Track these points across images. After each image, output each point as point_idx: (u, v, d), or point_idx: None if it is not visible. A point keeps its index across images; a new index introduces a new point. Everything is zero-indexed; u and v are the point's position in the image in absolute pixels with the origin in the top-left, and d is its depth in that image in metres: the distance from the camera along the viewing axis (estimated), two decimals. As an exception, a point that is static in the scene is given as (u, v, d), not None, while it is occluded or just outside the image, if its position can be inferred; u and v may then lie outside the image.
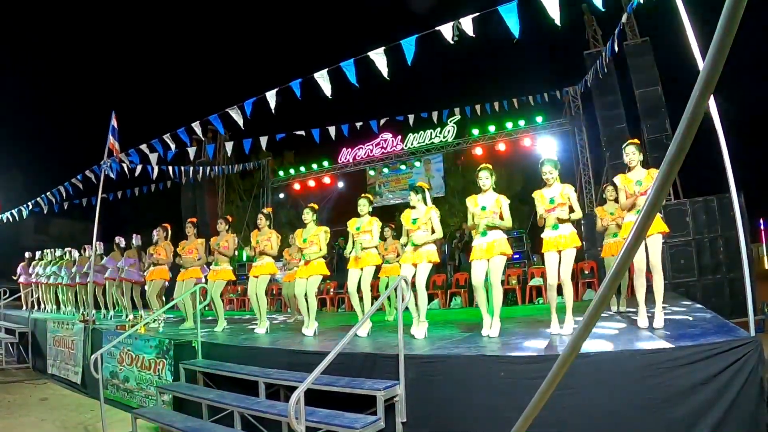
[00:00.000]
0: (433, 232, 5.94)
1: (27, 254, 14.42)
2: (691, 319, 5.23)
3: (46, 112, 25.86)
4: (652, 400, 3.53)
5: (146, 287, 9.26)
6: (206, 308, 8.05)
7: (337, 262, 14.34)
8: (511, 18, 5.84)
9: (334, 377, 4.55)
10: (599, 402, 3.65)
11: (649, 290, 5.06)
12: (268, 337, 6.89)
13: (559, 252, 5.22)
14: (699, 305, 6.84)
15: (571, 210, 5.35)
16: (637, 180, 5.19)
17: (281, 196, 20.13)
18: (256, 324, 7.76)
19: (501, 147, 15.43)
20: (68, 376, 8.98)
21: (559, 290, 5.36)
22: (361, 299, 6.52)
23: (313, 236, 6.85)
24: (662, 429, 3.49)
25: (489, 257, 5.45)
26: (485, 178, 5.65)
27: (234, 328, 8.28)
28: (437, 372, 4.27)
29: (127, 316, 9.96)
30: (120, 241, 10.84)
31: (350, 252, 6.69)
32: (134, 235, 10.73)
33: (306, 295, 6.77)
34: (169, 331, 7.70)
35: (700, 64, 4.47)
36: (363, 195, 6.91)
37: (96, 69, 27.59)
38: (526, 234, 13.24)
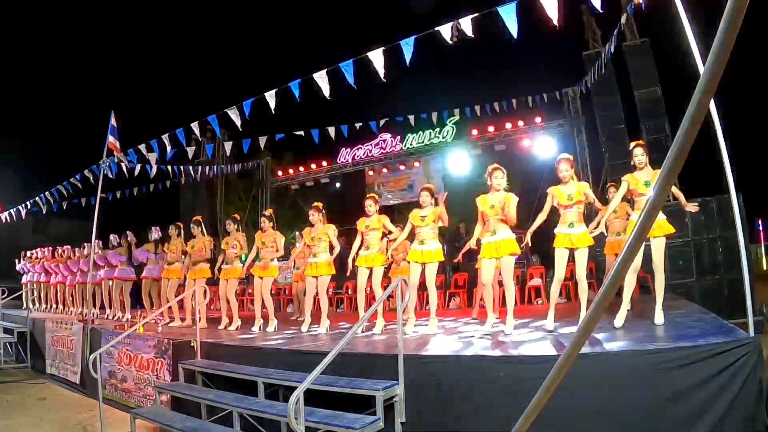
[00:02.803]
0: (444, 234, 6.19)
1: (29, 253, 14.41)
2: (690, 319, 5.23)
3: (45, 111, 25.83)
4: (650, 401, 3.54)
5: (162, 285, 9.27)
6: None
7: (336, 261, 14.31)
8: (510, 18, 5.84)
9: (334, 377, 4.55)
10: (598, 402, 3.65)
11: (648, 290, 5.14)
12: (268, 336, 6.88)
13: (572, 251, 5.28)
14: (698, 306, 6.84)
15: (591, 204, 5.59)
16: (645, 181, 5.24)
17: (279, 196, 20.11)
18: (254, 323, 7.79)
19: (500, 148, 15.42)
20: (67, 376, 8.97)
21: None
22: (373, 299, 6.63)
23: (321, 234, 7.03)
24: (661, 429, 3.49)
25: (499, 256, 5.55)
26: (500, 178, 5.73)
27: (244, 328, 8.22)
28: (436, 372, 4.27)
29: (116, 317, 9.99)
30: (114, 238, 10.79)
31: (356, 252, 6.84)
32: (153, 229, 10.50)
33: (317, 294, 7.02)
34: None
35: (700, 65, 4.49)
36: (369, 195, 7.08)
37: (95, 68, 27.55)
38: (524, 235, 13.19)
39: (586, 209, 5.93)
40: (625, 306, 5.20)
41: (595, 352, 3.85)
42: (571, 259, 5.38)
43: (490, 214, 5.69)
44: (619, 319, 5.10)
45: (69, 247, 12.59)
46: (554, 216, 5.70)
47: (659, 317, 5.09)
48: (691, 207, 5.78)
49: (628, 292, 5.22)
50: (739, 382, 3.45)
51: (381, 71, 6.61)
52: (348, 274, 6.98)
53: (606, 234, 7.18)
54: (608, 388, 3.68)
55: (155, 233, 9.89)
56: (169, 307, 8.68)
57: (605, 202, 7.43)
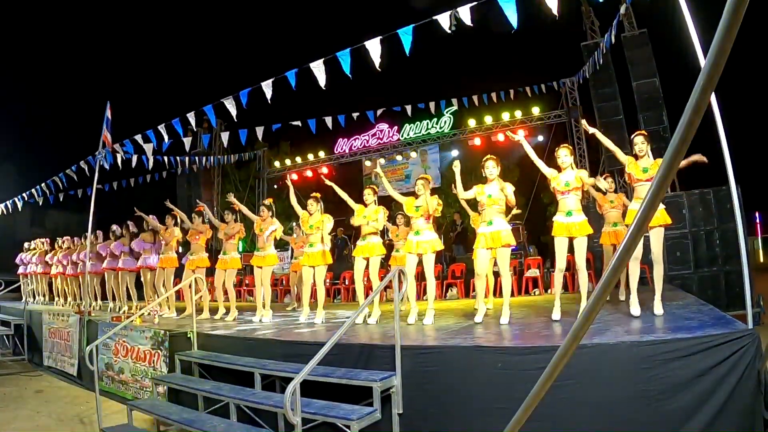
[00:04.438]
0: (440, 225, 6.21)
1: (26, 244, 14.37)
2: (687, 311, 5.23)
3: (41, 102, 25.67)
4: (649, 392, 3.53)
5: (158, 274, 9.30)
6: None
7: (333, 252, 14.30)
8: (509, 8, 5.80)
9: (331, 368, 4.54)
10: (595, 393, 3.65)
11: (644, 282, 5.14)
12: (264, 327, 6.86)
13: (571, 240, 5.27)
14: (695, 297, 6.85)
15: (586, 192, 5.60)
16: (644, 167, 5.23)
17: (276, 186, 20.08)
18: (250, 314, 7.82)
19: (497, 138, 15.41)
20: (64, 368, 8.96)
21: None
22: (370, 289, 6.65)
23: (319, 223, 7.06)
24: (659, 421, 3.49)
25: (495, 246, 5.55)
26: (492, 168, 5.75)
27: (240, 318, 8.22)
28: (434, 363, 4.26)
29: (120, 309, 9.98)
30: (116, 229, 10.76)
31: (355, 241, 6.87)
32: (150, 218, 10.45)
33: (315, 284, 7.05)
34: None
35: (699, 56, 4.46)
36: (368, 186, 7.10)
37: (90, 59, 27.37)
38: (523, 225, 13.24)
39: (585, 199, 5.93)
40: (635, 294, 5.19)
41: (593, 343, 3.83)
42: (570, 249, 5.37)
43: (488, 204, 5.69)
44: (636, 308, 5.11)
45: (69, 238, 12.55)
46: (552, 206, 5.70)
47: (658, 308, 5.09)
48: (699, 157, 5.56)
49: (633, 280, 5.21)
50: (737, 374, 3.44)
51: (377, 61, 6.55)
52: (351, 257, 7.04)
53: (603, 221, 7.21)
54: (606, 379, 3.67)
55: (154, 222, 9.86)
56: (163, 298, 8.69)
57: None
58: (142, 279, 9.84)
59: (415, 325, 5.95)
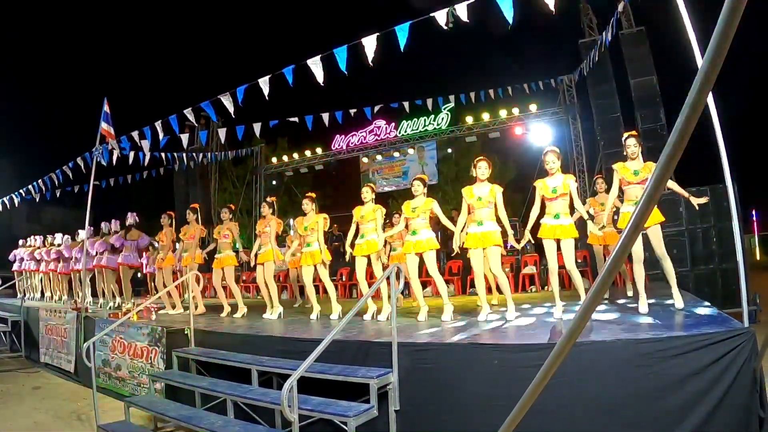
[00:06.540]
0: (438, 222, 6.52)
1: (21, 242, 14.33)
2: (684, 309, 5.24)
3: (37, 98, 25.60)
4: (644, 390, 3.54)
5: (157, 274, 9.39)
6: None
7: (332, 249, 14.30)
8: (506, 4, 5.78)
9: (328, 365, 4.54)
10: (591, 391, 3.66)
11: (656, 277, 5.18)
12: (261, 324, 6.86)
13: (558, 241, 5.31)
14: (691, 295, 6.86)
15: (572, 203, 5.48)
16: (635, 170, 5.26)
17: (274, 182, 20.07)
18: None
19: (495, 135, 15.42)
20: (61, 365, 8.95)
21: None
22: (369, 286, 6.66)
23: (314, 224, 7.09)
24: (654, 419, 3.50)
25: (484, 246, 5.57)
26: (485, 168, 5.77)
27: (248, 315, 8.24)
28: (431, 360, 4.26)
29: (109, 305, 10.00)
30: (105, 226, 10.76)
31: (352, 240, 6.91)
32: (129, 215, 10.41)
33: (315, 281, 7.20)
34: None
35: (697, 54, 4.45)
36: (366, 184, 7.12)
37: (87, 55, 27.29)
38: (519, 222, 13.26)
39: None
40: (644, 295, 5.29)
41: (590, 340, 3.84)
42: (560, 249, 5.42)
43: (477, 206, 5.71)
44: (644, 306, 5.23)
45: (61, 234, 12.53)
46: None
47: (678, 301, 5.27)
48: (700, 200, 5.81)
49: (640, 282, 5.26)
50: (733, 372, 3.46)
51: (370, 56, 6.51)
52: (348, 259, 7.04)
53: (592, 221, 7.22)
54: (602, 376, 3.68)
55: (130, 219, 9.89)
56: (160, 297, 8.70)
57: (594, 193, 7.46)
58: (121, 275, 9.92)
59: (412, 322, 5.97)
